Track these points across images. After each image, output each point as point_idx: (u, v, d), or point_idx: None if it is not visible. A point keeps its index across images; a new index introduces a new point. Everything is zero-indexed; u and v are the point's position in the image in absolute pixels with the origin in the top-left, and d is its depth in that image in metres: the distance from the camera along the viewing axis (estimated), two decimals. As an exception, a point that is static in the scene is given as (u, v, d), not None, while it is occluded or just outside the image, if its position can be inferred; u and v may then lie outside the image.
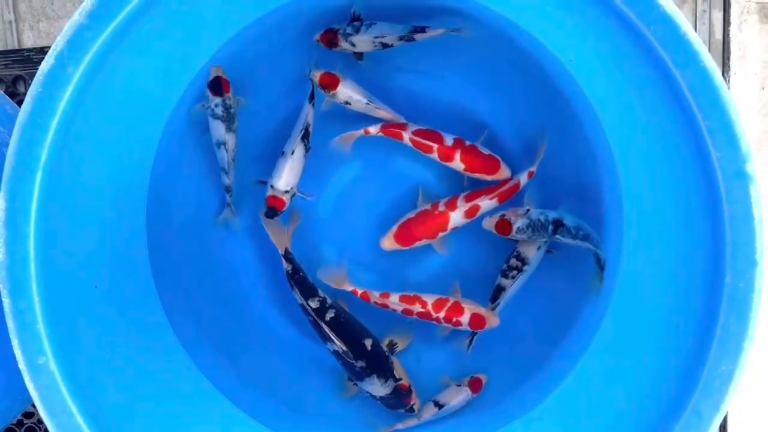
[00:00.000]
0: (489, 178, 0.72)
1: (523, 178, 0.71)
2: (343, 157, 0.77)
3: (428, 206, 0.73)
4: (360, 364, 0.67)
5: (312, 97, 0.70)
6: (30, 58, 0.92)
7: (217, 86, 0.65)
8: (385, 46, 0.67)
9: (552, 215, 0.68)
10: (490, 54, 0.70)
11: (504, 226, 0.70)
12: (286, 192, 0.70)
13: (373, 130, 0.71)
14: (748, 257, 0.51)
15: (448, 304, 0.71)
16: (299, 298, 0.69)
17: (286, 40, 0.69)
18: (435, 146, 0.71)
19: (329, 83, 0.69)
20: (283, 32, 0.68)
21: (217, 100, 0.66)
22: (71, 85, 0.53)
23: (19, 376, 0.54)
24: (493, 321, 0.71)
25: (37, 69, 0.53)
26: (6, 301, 0.54)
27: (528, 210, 0.69)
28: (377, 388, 0.67)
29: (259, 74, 0.71)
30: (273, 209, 0.70)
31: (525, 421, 0.63)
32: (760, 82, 0.87)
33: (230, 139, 0.68)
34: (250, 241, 0.78)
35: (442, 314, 0.71)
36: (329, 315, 0.68)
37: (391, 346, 0.72)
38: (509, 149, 0.76)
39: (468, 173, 0.72)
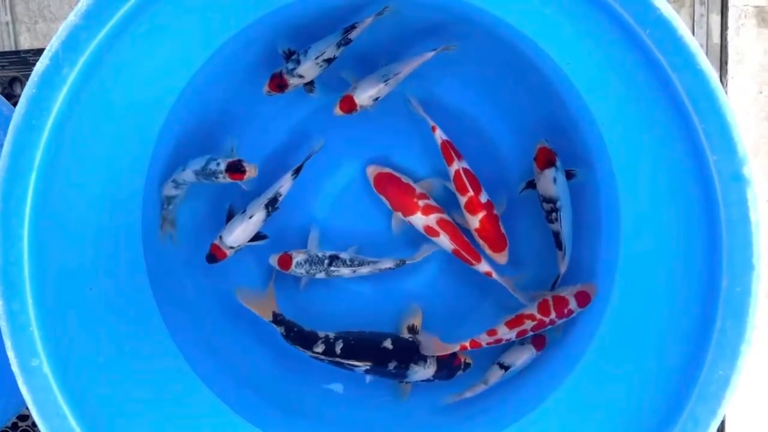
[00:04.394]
0: (489, 252, 0.71)
1: (482, 267, 0.71)
2: (341, 160, 0.78)
3: (417, 189, 0.73)
4: (393, 365, 0.67)
5: (298, 171, 0.69)
6: (27, 60, 0.92)
7: (234, 169, 0.65)
8: (328, 62, 0.65)
9: (329, 253, 0.73)
10: (489, 58, 0.70)
11: (284, 260, 0.73)
12: (231, 248, 0.69)
13: (438, 135, 0.71)
14: (745, 261, 0.51)
15: (551, 302, 0.68)
16: (303, 352, 0.69)
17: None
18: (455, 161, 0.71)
19: (350, 107, 0.68)
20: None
21: (222, 174, 0.65)
22: (66, 86, 0.53)
23: (13, 378, 0.54)
24: (594, 289, 0.67)
25: (34, 70, 0.53)
26: (-1, 303, 0.53)
27: (309, 249, 0.74)
28: (423, 372, 0.68)
29: (261, 75, 0.71)
30: (213, 257, 0.70)
31: (522, 425, 0.63)
32: (758, 86, 0.87)
33: (192, 181, 0.67)
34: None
35: (553, 315, 0.67)
36: (338, 347, 0.68)
37: (412, 329, 0.71)
38: (506, 151, 0.76)
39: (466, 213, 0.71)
